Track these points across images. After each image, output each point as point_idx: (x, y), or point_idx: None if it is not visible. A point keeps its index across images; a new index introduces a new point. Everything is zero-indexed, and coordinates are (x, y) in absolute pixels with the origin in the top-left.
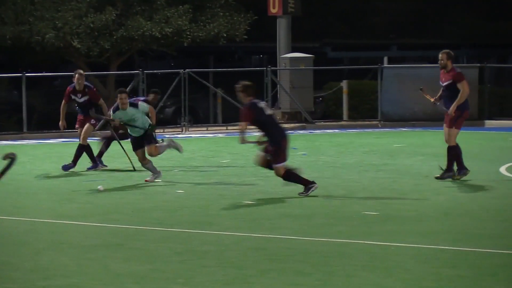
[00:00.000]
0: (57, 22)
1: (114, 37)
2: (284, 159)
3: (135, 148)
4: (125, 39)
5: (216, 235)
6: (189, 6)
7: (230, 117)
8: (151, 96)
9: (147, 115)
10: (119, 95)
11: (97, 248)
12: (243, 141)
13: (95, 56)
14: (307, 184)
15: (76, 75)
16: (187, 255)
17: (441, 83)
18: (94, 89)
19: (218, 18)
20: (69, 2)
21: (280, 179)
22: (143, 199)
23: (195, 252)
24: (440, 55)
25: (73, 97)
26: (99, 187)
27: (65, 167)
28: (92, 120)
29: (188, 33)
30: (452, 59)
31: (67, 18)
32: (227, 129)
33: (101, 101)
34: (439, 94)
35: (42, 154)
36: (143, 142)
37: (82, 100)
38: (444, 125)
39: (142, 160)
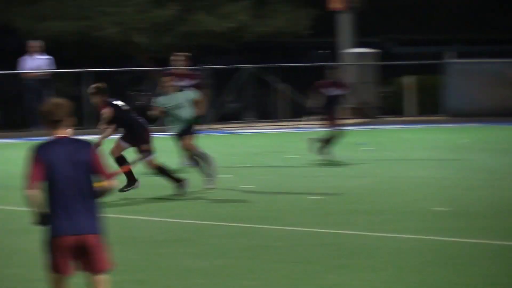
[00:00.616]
0: (118, 18)
1: (176, 32)
2: (150, 152)
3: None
4: (187, 35)
5: (285, 230)
6: (251, 1)
7: (294, 112)
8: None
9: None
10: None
11: (165, 243)
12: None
13: (157, 52)
14: (179, 181)
15: (177, 57)
16: (256, 251)
17: None
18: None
19: (280, 13)
20: None
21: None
22: (210, 195)
23: (264, 248)
24: None
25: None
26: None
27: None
28: None
29: (250, 28)
30: None
31: (128, 13)
32: (291, 124)
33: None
34: None
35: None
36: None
37: (185, 84)
38: None
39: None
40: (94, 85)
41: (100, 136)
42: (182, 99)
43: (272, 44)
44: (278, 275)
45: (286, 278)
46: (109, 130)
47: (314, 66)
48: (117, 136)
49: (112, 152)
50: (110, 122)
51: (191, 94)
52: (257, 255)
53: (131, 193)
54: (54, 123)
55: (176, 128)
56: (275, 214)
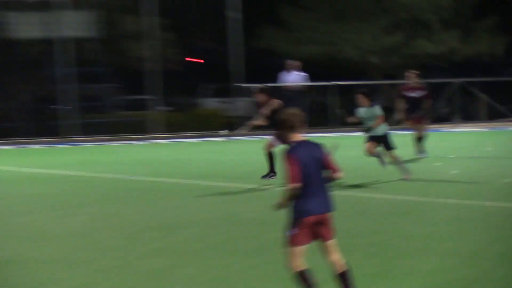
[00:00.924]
0: (357, 43)
1: (402, 54)
2: None
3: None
4: (410, 56)
5: (482, 205)
6: (459, 30)
7: (491, 115)
8: None
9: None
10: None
11: (388, 215)
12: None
13: (387, 69)
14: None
15: (410, 74)
16: (460, 221)
17: None
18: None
19: (482, 39)
20: (367, 27)
21: None
22: (423, 177)
23: (464, 219)
24: None
25: (407, 93)
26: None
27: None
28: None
29: (458, 51)
30: None
31: (365, 39)
32: (488, 125)
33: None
34: None
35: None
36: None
37: (416, 95)
38: None
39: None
40: (259, 86)
41: (254, 120)
42: (369, 113)
43: (475, 63)
44: (476, 238)
45: (481, 242)
46: (262, 118)
47: (507, 80)
48: (270, 136)
49: (265, 147)
50: (270, 115)
51: (375, 111)
52: (460, 224)
53: (357, 175)
54: (291, 129)
55: (366, 134)
56: (474, 192)
